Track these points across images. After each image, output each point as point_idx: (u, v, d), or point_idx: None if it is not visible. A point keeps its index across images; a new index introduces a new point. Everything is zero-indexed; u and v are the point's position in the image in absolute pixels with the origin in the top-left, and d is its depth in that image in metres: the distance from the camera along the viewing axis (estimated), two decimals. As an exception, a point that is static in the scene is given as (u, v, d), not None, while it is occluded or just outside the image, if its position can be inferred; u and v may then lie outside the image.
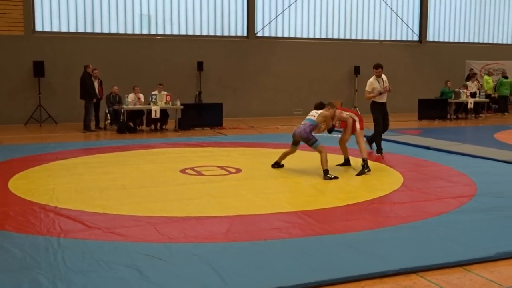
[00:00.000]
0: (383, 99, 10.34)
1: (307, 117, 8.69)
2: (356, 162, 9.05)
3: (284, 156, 8.92)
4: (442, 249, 4.84)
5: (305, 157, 10.05)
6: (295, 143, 8.79)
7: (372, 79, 10.36)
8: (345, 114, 9.05)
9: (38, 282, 4.05)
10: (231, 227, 5.49)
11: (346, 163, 9.20)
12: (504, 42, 23.90)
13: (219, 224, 5.61)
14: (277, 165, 8.93)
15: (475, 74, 20.88)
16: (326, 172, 8.08)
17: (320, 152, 8.24)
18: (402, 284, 4.13)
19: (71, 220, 5.73)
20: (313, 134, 8.43)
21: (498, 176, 8.27)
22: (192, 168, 8.82)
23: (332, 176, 8.02)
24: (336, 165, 9.06)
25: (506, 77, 20.53)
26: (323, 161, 8.17)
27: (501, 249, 4.78)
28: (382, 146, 10.41)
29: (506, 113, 20.33)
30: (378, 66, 10.33)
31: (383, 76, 10.30)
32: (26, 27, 16.69)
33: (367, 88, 10.38)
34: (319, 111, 8.65)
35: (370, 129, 10.63)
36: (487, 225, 5.61)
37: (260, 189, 7.33)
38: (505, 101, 20.60)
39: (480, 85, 20.10)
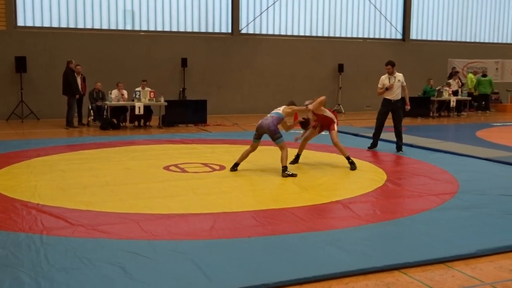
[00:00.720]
0: (391, 95, 10.45)
1: (273, 111, 8.55)
2: (335, 159, 9.08)
3: (245, 155, 8.49)
4: (424, 246, 4.88)
5: (289, 155, 10.07)
6: (258, 137, 8.43)
7: (384, 76, 10.70)
8: (328, 113, 9.03)
9: (20, 280, 4.01)
10: (215, 224, 5.49)
11: (296, 159, 9.14)
12: (486, 41, 24.15)
13: (203, 221, 5.60)
14: (236, 166, 8.41)
15: (457, 72, 21.06)
16: (285, 168, 8.06)
17: (282, 148, 8.17)
18: (385, 281, 4.17)
19: (53, 217, 5.68)
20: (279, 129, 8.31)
21: (480, 173, 8.36)
22: (176, 165, 8.80)
23: (290, 173, 8.01)
24: (290, 163, 8.82)
25: (484, 76, 20.71)
26: (284, 158, 8.12)
27: (482, 246, 4.84)
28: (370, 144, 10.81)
29: (487, 111, 20.54)
30: (387, 64, 10.65)
31: (398, 74, 10.55)
32: (8, 22, 16.47)
33: (379, 85, 10.77)
34: (283, 106, 8.52)
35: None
36: (468, 222, 5.67)
37: (244, 186, 7.33)
38: (486, 99, 20.82)
39: (461, 84, 20.28)
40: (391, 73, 10.49)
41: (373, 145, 10.76)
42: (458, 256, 4.66)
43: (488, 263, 4.59)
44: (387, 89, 10.43)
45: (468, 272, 4.36)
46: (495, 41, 24.37)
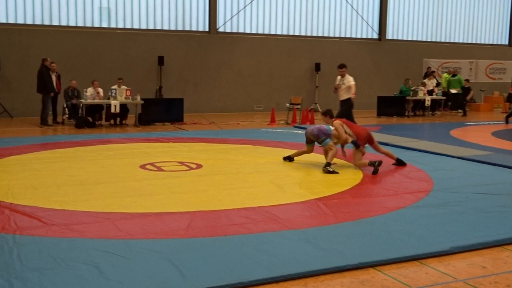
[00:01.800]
0: (341, 97, 11.68)
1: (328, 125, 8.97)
2: (313, 159, 9.13)
3: (298, 154, 9.22)
4: (399, 243, 4.94)
5: (265, 153, 10.10)
6: (308, 142, 9.02)
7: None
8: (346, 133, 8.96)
9: (-8, 280, 3.95)
10: (192, 223, 5.47)
11: (290, 158, 9.28)
12: (460, 41, 24.48)
13: (179, 220, 5.58)
14: (289, 159, 9.17)
15: (433, 72, 21.29)
16: (327, 164, 8.34)
17: (330, 148, 8.55)
18: (361, 278, 4.20)
19: (27, 216, 5.60)
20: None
21: (454, 172, 8.48)
22: (152, 164, 8.74)
23: (332, 170, 8.21)
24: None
25: (454, 75, 20.94)
26: (330, 155, 8.47)
27: (455, 243, 4.91)
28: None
29: (460, 110, 20.77)
30: (340, 66, 11.88)
31: (348, 76, 11.71)
32: (-19, 18, 16.22)
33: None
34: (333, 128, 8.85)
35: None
36: (442, 220, 5.75)
37: (220, 185, 7.32)
38: (457, 98, 20.97)
39: (437, 83, 20.52)
40: (341, 75, 11.81)
41: None
42: (431, 253, 4.72)
43: (461, 260, 4.66)
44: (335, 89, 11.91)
45: (442, 269, 4.42)
46: (469, 41, 24.72)
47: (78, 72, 16.60)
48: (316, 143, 8.92)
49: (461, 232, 5.32)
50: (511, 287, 4.09)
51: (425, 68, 22.33)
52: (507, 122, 16.74)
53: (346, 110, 11.94)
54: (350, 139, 8.76)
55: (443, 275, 4.30)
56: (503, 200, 6.59)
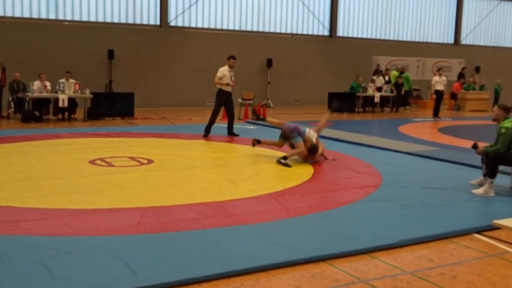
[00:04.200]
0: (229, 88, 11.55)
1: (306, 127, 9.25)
2: (268, 154, 9.16)
3: (268, 142, 9.45)
4: (349, 237, 5.02)
5: (218, 149, 10.07)
6: (282, 136, 9.20)
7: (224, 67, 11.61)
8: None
9: None
10: (143, 218, 5.40)
11: (258, 141, 9.52)
12: (408, 39, 25.06)
13: (130, 216, 5.50)
14: (257, 141, 9.41)
15: (387, 69, 21.71)
16: (285, 157, 8.56)
17: (297, 147, 8.80)
18: (312, 272, 4.24)
19: (-30, 213, 5.41)
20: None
21: (402, 167, 8.68)
22: (102, 159, 8.58)
23: (284, 162, 8.46)
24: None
25: (402, 72, 21.39)
26: (293, 151, 8.78)
27: (403, 237, 5.03)
28: None
29: (407, 107, 21.27)
30: (229, 57, 11.67)
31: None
32: None
33: (219, 74, 11.54)
34: (314, 134, 9.08)
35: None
36: (391, 214, 5.88)
37: (172, 180, 7.26)
38: (405, 95, 21.42)
39: (386, 80, 20.92)
40: (231, 66, 11.56)
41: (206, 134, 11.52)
42: (381, 246, 4.82)
43: (409, 252, 4.78)
44: (228, 84, 11.48)
45: (391, 262, 4.52)
46: (417, 40, 25.34)
47: (24, 65, 16.10)
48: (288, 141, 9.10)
49: (409, 225, 5.46)
50: (457, 278, 4.22)
51: (374, 65, 22.75)
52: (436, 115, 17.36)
53: None
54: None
55: (392, 267, 4.40)
56: (449, 194, 6.79)
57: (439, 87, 17.45)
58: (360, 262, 4.50)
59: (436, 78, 17.69)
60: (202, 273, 4.04)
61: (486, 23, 27.32)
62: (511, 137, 6.73)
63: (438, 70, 18.54)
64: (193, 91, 19.78)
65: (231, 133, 11.79)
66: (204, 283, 3.97)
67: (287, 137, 9.05)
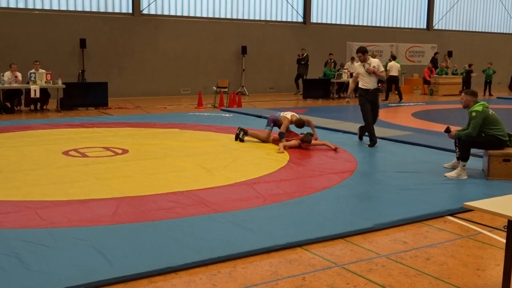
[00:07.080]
0: (368, 85, 9.27)
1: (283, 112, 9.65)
2: (244, 143, 9.15)
3: (254, 134, 9.58)
4: (325, 222, 5.06)
5: (193, 137, 10.04)
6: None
7: (357, 63, 9.68)
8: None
9: None
10: (118, 209, 5.37)
11: (245, 132, 9.66)
12: (381, 25, 25.19)
13: (105, 206, 5.46)
14: (244, 132, 9.53)
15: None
16: (245, 132, 9.37)
17: (263, 132, 9.44)
18: (288, 258, 4.27)
19: None
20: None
21: (377, 152, 8.77)
22: (75, 150, 8.49)
23: (239, 134, 9.36)
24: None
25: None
26: (256, 134, 9.48)
27: (378, 221, 5.09)
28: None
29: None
30: (357, 51, 9.50)
31: (373, 60, 9.37)
32: None
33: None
34: (288, 112, 9.52)
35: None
36: (366, 198, 5.95)
37: (147, 170, 7.21)
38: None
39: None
40: (363, 61, 9.30)
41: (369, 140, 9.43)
42: (356, 231, 4.87)
43: (384, 236, 4.84)
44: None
45: (366, 246, 4.57)
46: (390, 25, 25.49)
47: (-7, 55, 15.80)
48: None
49: (384, 209, 5.53)
50: (430, 260, 4.29)
51: (348, 51, 22.83)
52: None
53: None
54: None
55: (367, 251, 4.46)
56: (423, 178, 6.88)
57: (394, 72, 18.03)
58: (336, 247, 4.54)
59: (391, 63, 18.18)
60: (179, 262, 4.04)
61: (457, 8, 27.60)
62: (482, 121, 6.84)
63: (390, 56, 18.99)
64: (167, 80, 19.65)
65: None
66: (181, 271, 3.97)
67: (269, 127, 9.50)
